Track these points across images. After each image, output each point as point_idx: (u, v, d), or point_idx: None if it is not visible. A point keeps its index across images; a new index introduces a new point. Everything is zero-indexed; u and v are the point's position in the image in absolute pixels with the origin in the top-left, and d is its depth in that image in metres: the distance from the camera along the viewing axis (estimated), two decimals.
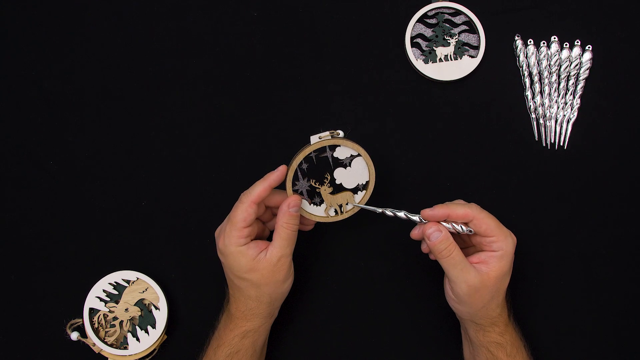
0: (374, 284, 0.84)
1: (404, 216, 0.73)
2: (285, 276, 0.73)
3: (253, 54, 0.87)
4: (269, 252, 0.72)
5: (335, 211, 0.76)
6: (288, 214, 0.72)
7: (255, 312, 0.74)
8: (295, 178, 0.74)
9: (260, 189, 0.72)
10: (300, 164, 0.74)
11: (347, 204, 0.76)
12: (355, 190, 0.76)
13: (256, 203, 0.72)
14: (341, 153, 0.75)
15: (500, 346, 0.74)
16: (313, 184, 0.75)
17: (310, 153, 0.74)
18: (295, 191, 0.75)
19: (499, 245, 0.71)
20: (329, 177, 0.76)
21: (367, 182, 0.76)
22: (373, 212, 0.75)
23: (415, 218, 0.73)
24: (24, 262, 0.84)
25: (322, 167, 0.75)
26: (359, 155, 0.75)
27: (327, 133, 0.73)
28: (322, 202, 0.76)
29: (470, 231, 0.72)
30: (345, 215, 0.77)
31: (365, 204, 0.76)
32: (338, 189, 0.76)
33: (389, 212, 0.74)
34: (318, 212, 0.76)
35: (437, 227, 0.71)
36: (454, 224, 0.72)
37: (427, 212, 0.72)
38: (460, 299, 0.72)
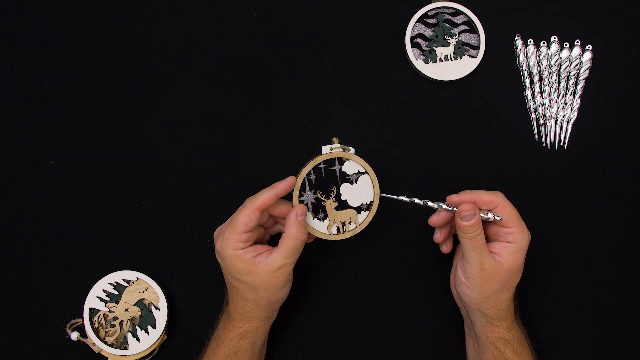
0: (375, 284, 0.84)
1: (435, 205, 0.74)
2: (283, 283, 0.73)
3: (253, 54, 0.87)
4: (270, 257, 0.72)
5: (338, 229, 0.76)
6: (298, 223, 0.72)
7: (253, 315, 0.74)
8: (302, 189, 0.74)
9: (266, 196, 0.72)
10: (309, 174, 0.74)
11: (349, 222, 0.76)
12: (359, 210, 0.76)
13: (260, 210, 0.72)
14: (349, 168, 0.75)
15: (508, 342, 0.74)
16: (319, 197, 0.75)
17: (320, 164, 0.74)
18: (300, 202, 0.75)
19: (515, 237, 0.72)
20: (335, 191, 0.76)
21: (371, 203, 0.76)
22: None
23: (445, 206, 0.74)
24: (24, 262, 0.84)
25: (329, 181, 0.75)
26: (365, 172, 0.75)
27: (339, 145, 0.74)
28: (325, 217, 0.76)
29: (500, 218, 0.73)
30: (347, 235, 0.76)
31: (370, 221, 0.77)
32: (343, 205, 0.76)
33: (418, 201, 0.74)
34: (320, 228, 0.76)
35: (474, 210, 0.71)
36: (481, 214, 0.73)
37: (453, 197, 0.73)
38: (471, 282, 0.72)
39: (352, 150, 0.75)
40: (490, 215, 0.73)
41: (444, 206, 0.74)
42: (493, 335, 0.74)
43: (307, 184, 0.75)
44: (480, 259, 0.71)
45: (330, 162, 0.75)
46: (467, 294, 0.74)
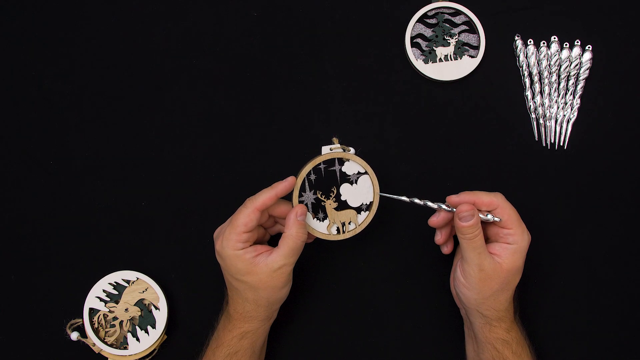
0: (375, 284, 0.84)
1: (435, 205, 0.74)
2: (283, 283, 0.73)
3: (253, 54, 0.87)
4: (270, 257, 0.72)
5: (338, 229, 0.76)
6: (298, 223, 0.72)
7: (253, 315, 0.74)
8: (302, 189, 0.75)
9: (266, 196, 0.72)
10: (309, 174, 0.74)
11: (349, 223, 0.76)
12: (358, 210, 0.76)
13: (260, 210, 0.72)
14: (349, 168, 0.75)
15: (507, 343, 0.74)
16: (319, 197, 0.75)
17: (320, 164, 0.74)
18: (300, 202, 0.75)
19: (515, 239, 0.72)
20: (335, 191, 0.76)
21: (371, 203, 0.76)
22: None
23: (444, 206, 0.74)
24: (24, 262, 0.84)
25: (329, 181, 0.75)
26: (365, 173, 0.75)
27: (339, 145, 0.74)
28: (325, 217, 0.76)
29: (500, 219, 0.73)
30: (347, 235, 0.76)
31: (370, 220, 0.77)
32: (343, 205, 0.76)
33: (417, 201, 0.74)
34: (320, 228, 0.76)
35: (473, 211, 0.71)
36: (480, 215, 0.73)
37: (453, 198, 0.73)
38: (470, 283, 0.72)
39: (352, 150, 0.75)
40: (489, 217, 0.73)
41: (444, 207, 0.74)
42: (492, 336, 0.74)
43: (307, 184, 0.75)
44: (479, 259, 0.71)
45: (330, 162, 0.75)
46: (466, 295, 0.74)
